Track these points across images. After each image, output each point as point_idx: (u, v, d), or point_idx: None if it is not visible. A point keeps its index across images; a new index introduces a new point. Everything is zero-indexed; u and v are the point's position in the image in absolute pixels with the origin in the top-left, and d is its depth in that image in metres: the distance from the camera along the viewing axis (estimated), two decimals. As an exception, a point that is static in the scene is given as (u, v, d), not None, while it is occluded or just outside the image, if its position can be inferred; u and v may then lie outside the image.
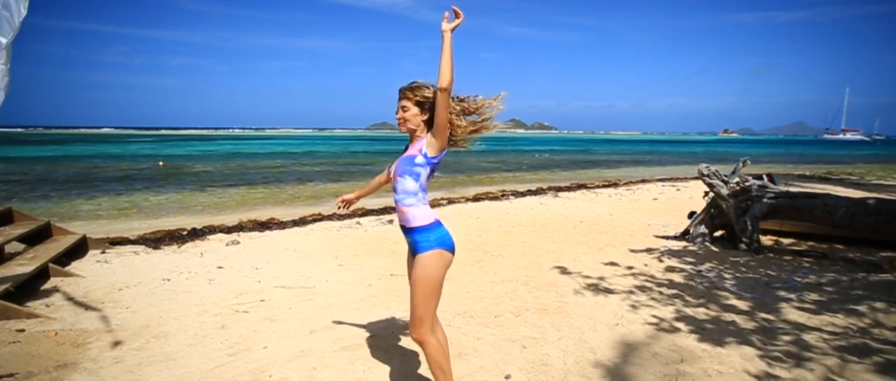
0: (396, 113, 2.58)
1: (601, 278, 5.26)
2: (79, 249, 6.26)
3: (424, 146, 2.51)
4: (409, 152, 2.55)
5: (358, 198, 2.98)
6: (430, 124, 2.54)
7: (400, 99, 2.57)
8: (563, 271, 5.58)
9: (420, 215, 2.52)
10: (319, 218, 9.45)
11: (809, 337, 3.67)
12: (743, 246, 6.42)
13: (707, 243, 6.81)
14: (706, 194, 7.19)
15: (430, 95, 2.52)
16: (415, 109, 2.54)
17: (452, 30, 2.34)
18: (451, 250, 2.54)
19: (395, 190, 2.57)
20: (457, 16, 2.36)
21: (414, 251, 2.56)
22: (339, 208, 2.95)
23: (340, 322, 4.07)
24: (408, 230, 2.56)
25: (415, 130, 2.57)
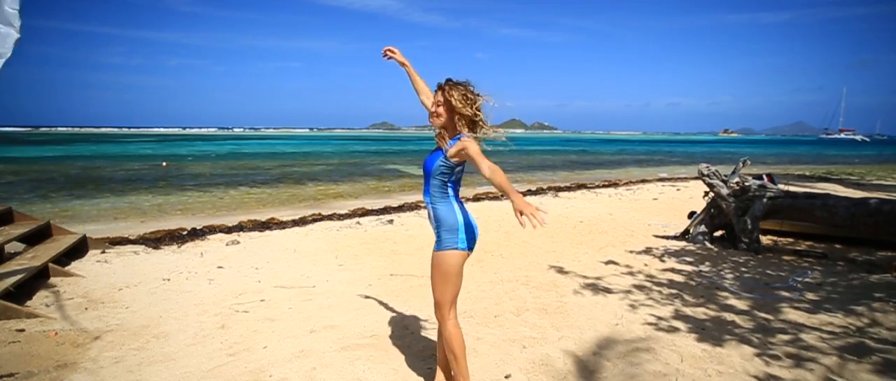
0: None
1: (601, 278, 5.26)
2: (79, 249, 6.26)
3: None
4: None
5: (405, 63, 2.94)
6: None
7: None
8: (563, 271, 5.58)
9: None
10: (319, 218, 9.45)
11: (809, 337, 3.67)
12: (743, 246, 6.42)
13: (707, 243, 6.81)
14: (706, 193, 7.19)
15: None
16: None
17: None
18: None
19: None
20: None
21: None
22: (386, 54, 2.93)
23: (340, 322, 4.07)
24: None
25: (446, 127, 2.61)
